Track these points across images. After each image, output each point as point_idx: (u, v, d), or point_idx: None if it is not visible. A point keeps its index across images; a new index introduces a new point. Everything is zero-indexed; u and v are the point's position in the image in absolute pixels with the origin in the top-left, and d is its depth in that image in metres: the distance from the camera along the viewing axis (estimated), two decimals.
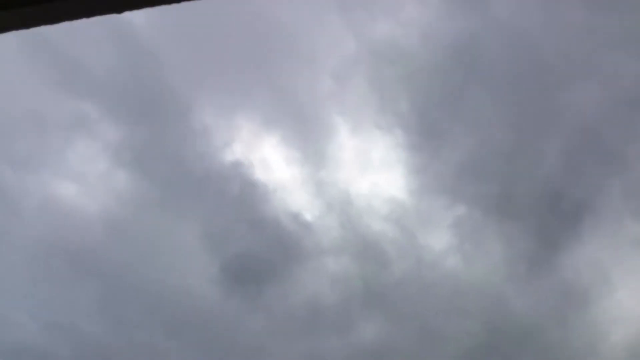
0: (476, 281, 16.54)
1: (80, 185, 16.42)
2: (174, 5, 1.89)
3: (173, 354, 16.35)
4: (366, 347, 16.32)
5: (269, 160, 16.60)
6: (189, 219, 16.53)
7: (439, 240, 16.64)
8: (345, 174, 16.77)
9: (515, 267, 16.49)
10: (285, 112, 16.51)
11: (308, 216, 16.61)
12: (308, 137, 16.53)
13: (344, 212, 16.57)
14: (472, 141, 15.96)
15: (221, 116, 16.41)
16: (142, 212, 16.50)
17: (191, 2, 1.92)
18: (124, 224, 16.48)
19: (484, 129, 15.74)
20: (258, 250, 16.38)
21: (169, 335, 16.44)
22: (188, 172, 16.22)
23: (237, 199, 16.20)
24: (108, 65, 14.99)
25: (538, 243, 16.36)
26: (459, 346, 16.12)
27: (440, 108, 15.81)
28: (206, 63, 15.69)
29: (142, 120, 15.99)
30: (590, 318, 16.35)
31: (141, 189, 16.33)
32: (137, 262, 16.58)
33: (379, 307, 16.58)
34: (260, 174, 16.39)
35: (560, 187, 15.79)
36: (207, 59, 15.61)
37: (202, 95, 16.02)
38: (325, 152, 16.52)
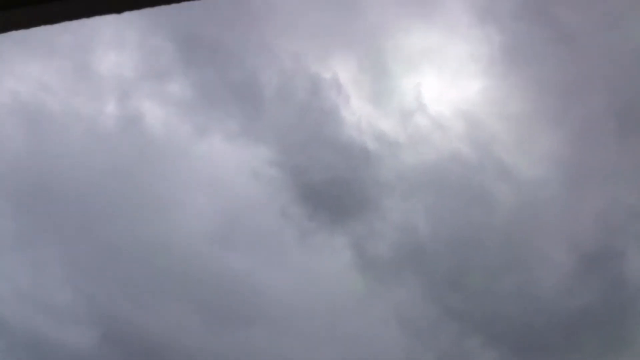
0: (585, 224, 13.99)
1: (87, 90, 13.78)
2: None
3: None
4: (461, 307, 14.56)
5: (338, 66, 14.29)
6: (252, 137, 14.18)
7: (538, 171, 14.20)
8: (425, 81, 14.29)
9: None
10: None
11: (386, 134, 14.36)
12: (372, 34, 13.96)
13: (425, 131, 14.30)
14: (596, 41, 13.14)
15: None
16: (184, 133, 13.96)
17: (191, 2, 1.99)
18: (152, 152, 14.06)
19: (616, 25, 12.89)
20: (337, 174, 14.32)
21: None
22: (248, 77, 13.81)
23: (307, 110, 14.11)
24: None
25: None
26: (564, 312, 14.08)
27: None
28: None
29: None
30: None
31: (187, 98, 13.77)
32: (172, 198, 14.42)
33: (472, 250, 14.64)
34: (329, 82, 14.21)
35: None
36: None
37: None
38: (394, 54, 14.06)
